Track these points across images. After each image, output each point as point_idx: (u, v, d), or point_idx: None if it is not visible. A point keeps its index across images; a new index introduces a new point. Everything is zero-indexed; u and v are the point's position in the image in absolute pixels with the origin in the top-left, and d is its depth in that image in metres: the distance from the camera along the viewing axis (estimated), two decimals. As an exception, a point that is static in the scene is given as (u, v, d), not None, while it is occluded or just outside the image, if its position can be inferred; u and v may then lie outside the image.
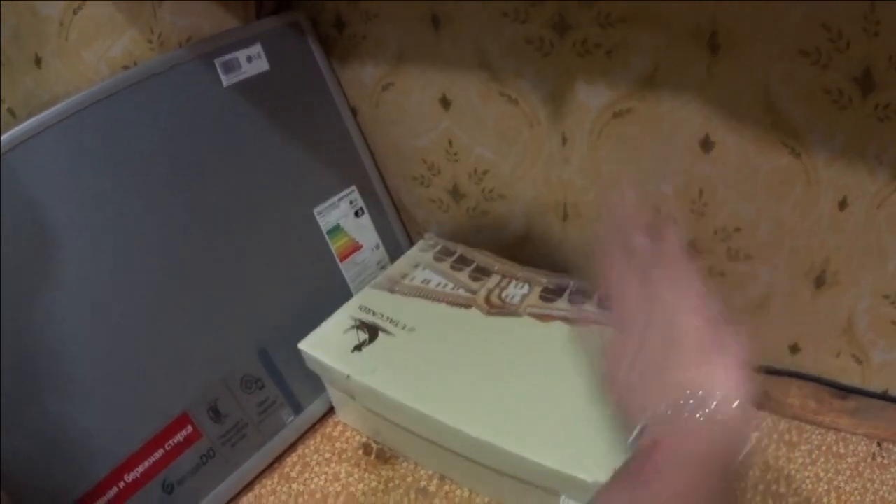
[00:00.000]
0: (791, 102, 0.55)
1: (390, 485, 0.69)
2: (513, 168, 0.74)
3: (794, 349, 0.69)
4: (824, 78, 0.53)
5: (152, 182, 0.65)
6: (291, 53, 0.74)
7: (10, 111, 0.60)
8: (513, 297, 0.70)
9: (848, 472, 0.66)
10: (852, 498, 0.63)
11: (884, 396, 0.68)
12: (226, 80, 0.69)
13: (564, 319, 0.67)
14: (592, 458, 0.53)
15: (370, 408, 0.67)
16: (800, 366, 0.70)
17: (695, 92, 0.59)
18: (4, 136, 0.56)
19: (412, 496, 0.68)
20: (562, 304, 0.68)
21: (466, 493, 0.68)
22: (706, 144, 0.61)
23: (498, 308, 0.69)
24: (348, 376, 0.65)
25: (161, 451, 0.65)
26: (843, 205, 0.58)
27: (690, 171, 0.63)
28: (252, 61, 0.71)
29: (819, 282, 0.63)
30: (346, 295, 0.75)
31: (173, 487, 0.66)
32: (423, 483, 0.69)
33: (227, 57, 0.69)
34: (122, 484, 0.62)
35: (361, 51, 0.75)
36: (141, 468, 0.63)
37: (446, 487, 0.69)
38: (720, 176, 0.62)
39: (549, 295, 0.70)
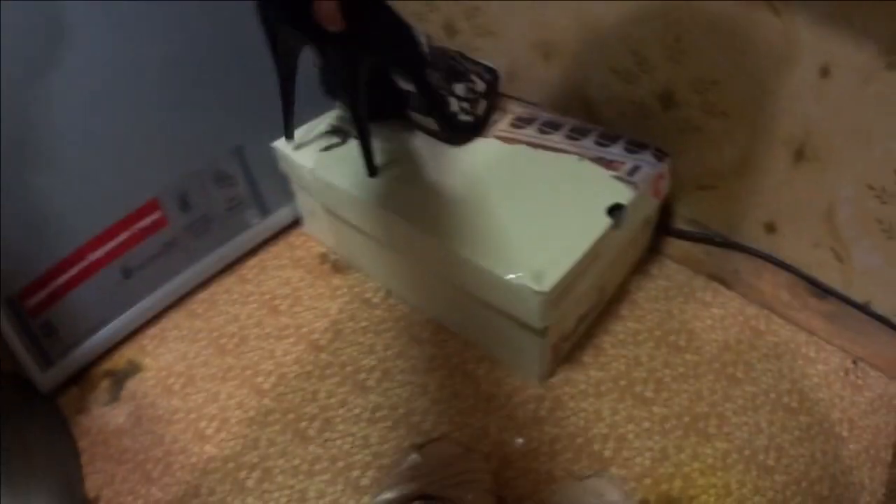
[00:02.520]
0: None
1: (337, 292, 0.72)
2: (501, 6, 0.72)
3: (770, 228, 0.65)
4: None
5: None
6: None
7: None
8: (485, 121, 0.70)
9: (815, 379, 0.60)
10: (817, 407, 0.58)
11: (865, 309, 0.61)
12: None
13: (529, 144, 0.66)
14: (524, 264, 0.55)
15: (327, 205, 0.68)
16: (775, 249, 0.66)
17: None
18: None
19: (356, 305, 0.70)
20: (530, 131, 0.68)
21: (408, 309, 0.70)
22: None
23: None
24: (312, 170, 0.67)
25: (126, 234, 0.68)
26: (824, 72, 0.54)
27: (667, 16, 0.60)
28: None
29: (798, 155, 0.60)
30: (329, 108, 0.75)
31: (132, 272, 0.69)
32: (369, 295, 0.71)
33: None
34: (85, 262, 0.66)
35: None
36: (105, 248, 0.67)
37: (390, 301, 0.71)
38: (696, 22, 0.59)
39: (520, 122, 0.69)
